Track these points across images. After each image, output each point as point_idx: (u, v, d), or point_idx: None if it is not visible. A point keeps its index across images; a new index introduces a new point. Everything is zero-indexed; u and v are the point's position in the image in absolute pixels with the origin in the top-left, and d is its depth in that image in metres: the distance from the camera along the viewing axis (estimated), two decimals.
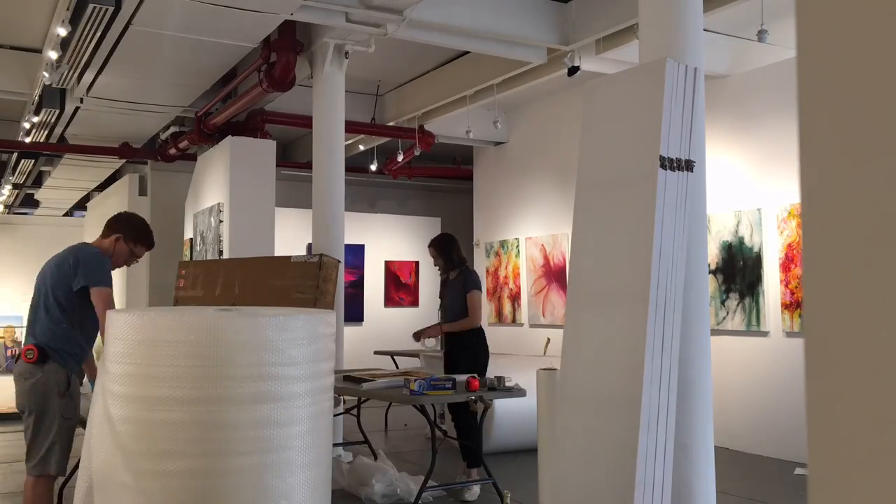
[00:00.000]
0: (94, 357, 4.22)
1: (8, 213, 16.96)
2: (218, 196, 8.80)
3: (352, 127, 9.00)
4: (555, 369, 4.04)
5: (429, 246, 6.28)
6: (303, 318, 2.65)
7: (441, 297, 6.33)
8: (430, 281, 12.78)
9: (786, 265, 7.02)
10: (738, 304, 7.35)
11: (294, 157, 11.90)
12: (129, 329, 2.55)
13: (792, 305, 6.91)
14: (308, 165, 8.01)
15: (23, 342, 4.22)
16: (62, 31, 6.80)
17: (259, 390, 2.50)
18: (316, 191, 7.28)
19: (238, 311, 2.71)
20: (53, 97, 8.81)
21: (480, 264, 10.98)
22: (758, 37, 5.98)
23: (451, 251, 6.09)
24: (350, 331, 9.83)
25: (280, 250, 8.82)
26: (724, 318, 7.44)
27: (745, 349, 7.29)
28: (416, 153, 10.02)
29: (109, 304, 4.00)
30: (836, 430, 0.76)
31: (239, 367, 2.48)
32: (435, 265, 6.24)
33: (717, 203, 7.17)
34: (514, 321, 10.30)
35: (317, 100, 7.33)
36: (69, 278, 4.05)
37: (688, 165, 3.65)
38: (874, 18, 0.73)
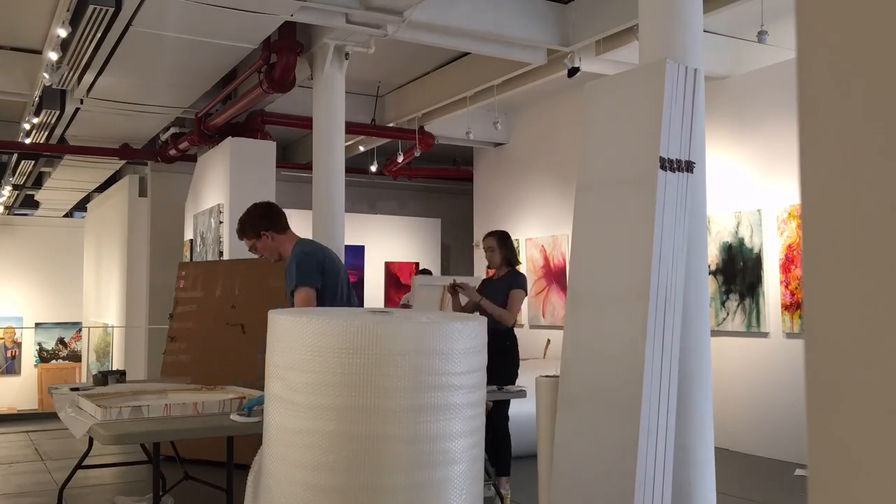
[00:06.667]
0: None
1: (8, 215, 16.96)
2: (218, 197, 8.80)
3: (352, 128, 9.00)
4: (556, 376, 4.01)
5: (486, 236, 5.71)
6: (461, 325, 2.46)
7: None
8: None
9: (786, 266, 7.02)
10: (738, 305, 7.35)
11: (294, 158, 11.89)
12: (292, 332, 2.41)
13: (792, 306, 6.91)
14: (308, 166, 8.01)
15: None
16: (62, 32, 6.81)
17: (419, 401, 2.31)
18: (316, 192, 7.28)
19: (395, 314, 2.54)
20: (53, 98, 8.81)
21: (481, 265, 10.97)
22: (758, 38, 5.99)
23: (509, 248, 5.64)
24: None
25: None
26: (724, 319, 7.44)
27: (745, 350, 7.29)
28: (417, 154, 10.02)
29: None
30: (836, 431, 0.76)
31: (397, 376, 2.29)
32: (487, 258, 5.71)
33: (717, 204, 7.17)
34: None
35: (317, 101, 7.33)
36: None
37: (688, 166, 3.65)
38: (874, 19, 0.73)
